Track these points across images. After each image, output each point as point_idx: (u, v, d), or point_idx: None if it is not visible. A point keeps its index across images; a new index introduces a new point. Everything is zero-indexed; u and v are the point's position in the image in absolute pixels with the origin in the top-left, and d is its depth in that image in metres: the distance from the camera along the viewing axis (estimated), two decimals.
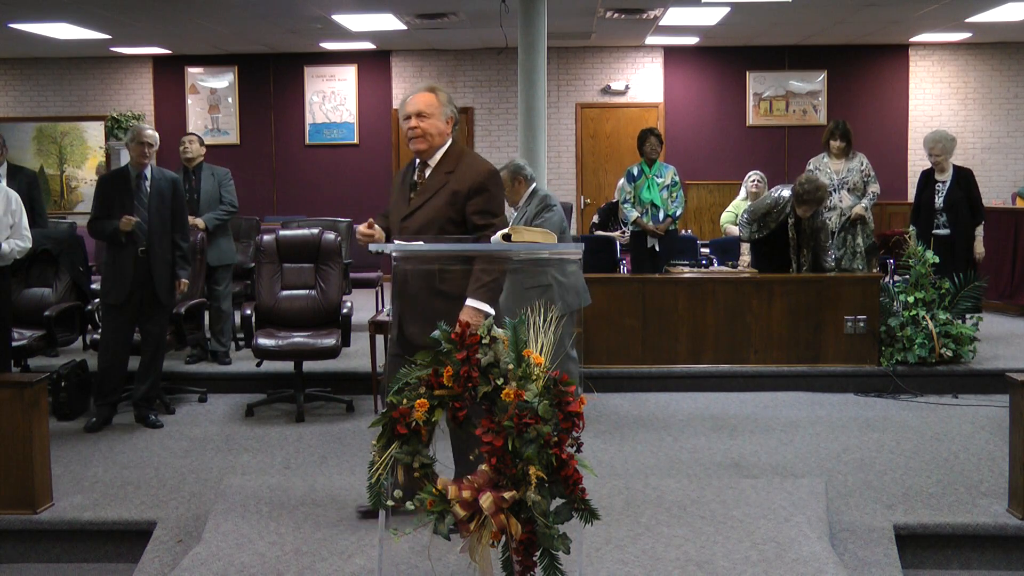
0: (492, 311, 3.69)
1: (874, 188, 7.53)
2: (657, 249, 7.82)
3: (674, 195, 7.84)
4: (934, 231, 7.54)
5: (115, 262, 5.85)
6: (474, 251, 3.79)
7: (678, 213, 7.85)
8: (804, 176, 6.93)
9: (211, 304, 7.09)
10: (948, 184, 7.59)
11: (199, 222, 6.91)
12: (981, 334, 7.36)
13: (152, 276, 5.86)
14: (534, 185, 5.88)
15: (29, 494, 4.41)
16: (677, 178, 7.90)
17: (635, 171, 7.92)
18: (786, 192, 6.98)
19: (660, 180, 7.80)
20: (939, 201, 7.59)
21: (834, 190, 7.45)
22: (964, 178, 7.61)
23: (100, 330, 6.08)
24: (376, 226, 4.02)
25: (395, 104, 12.36)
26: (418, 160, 4.03)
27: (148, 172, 5.97)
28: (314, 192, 12.32)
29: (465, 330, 3.09)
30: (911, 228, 7.35)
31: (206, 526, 4.12)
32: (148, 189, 5.91)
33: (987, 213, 9.69)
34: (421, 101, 3.93)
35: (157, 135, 6.04)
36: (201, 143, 7.30)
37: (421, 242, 3.81)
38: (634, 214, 7.82)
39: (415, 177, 4.02)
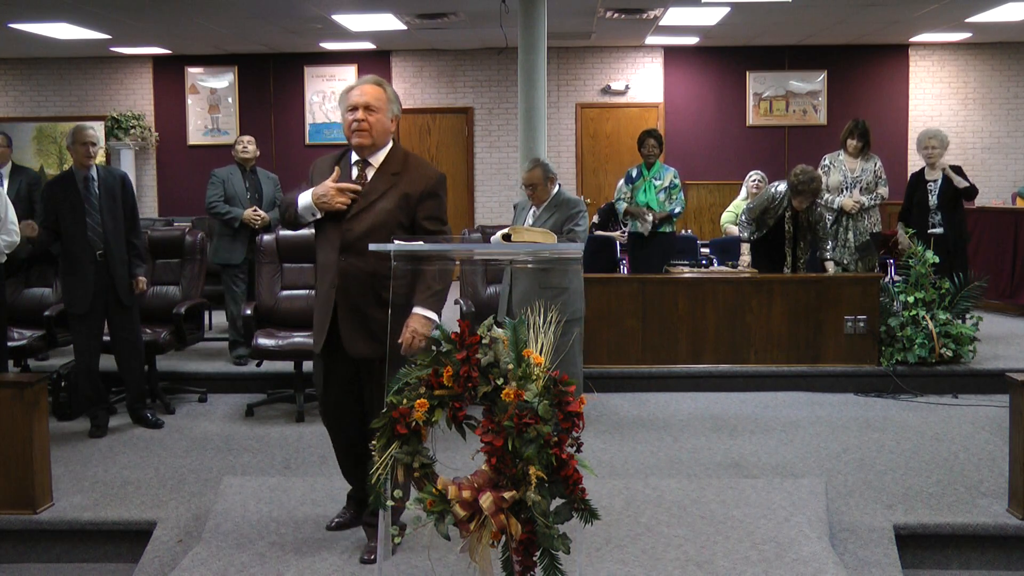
0: (438, 319, 3.62)
1: (882, 191, 7.55)
2: (650, 228, 7.66)
3: (673, 196, 7.77)
4: (930, 231, 7.55)
5: (75, 270, 5.65)
6: (477, 252, 3.78)
7: (676, 211, 7.80)
8: (799, 167, 6.93)
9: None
10: (939, 182, 7.61)
11: (268, 217, 7.14)
12: (981, 334, 7.36)
13: (113, 279, 5.70)
14: (558, 185, 5.91)
15: (29, 494, 4.40)
16: (677, 180, 7.81)
17: (634, 173, 7.89)
18: (782, 187, 7.02)
19: (658, 183, 7.73)
20: (933, 200, 7.60)
21: (846, 188, 7.50)
22: (956, 173, 7.61)
23: (72, 340, 5.89)
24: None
25: None
26: (355, 157, 3.76)
27: (94, 172, 5.71)
28: None
29: (465, 330, 3.08)
30: (909, 229, 7.36)
31: (206, 526, 4.12)
32: (98, 190, 5.69)
33: (987, 213, 9.73)
34: (370, 94, 3.68)
35: (98, 134, 5.85)
36: (256, 145, 7.56)
37: (420, 242, 3.79)
38: (624, 205, 7.81)
39: (354, 177, 3.74)
